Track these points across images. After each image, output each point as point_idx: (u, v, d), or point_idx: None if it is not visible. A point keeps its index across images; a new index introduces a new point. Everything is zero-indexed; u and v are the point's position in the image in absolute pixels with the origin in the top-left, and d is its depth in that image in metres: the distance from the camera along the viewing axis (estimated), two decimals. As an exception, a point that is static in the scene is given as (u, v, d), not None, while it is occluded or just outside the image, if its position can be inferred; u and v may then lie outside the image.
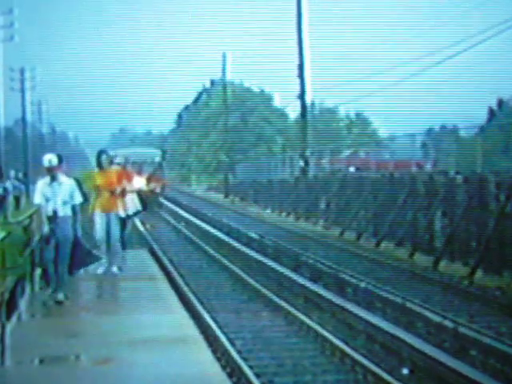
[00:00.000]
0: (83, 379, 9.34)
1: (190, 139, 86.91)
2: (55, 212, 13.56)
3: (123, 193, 16.90)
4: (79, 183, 14.18)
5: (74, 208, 13.78)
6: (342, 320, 15.41)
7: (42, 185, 13.87)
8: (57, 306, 13.55)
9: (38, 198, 13.79)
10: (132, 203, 17.95)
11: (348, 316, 15.43)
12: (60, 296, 13.72)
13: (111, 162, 17.13)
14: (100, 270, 16.50)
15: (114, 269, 16.75)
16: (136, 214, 19.19)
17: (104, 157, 17.08)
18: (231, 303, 17.63)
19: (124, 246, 17.94)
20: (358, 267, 22.03)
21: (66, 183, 13.85)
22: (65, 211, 13.68)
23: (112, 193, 16.63)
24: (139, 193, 18.71)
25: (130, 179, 17.94)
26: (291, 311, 15.93)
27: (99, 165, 17.02)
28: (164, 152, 56.25)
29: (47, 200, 13.64)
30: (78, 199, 13.86)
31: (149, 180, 49.42)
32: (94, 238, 16.62)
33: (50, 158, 13.79)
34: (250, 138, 76.75)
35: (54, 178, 13.73)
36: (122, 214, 16.89)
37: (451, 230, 23.24)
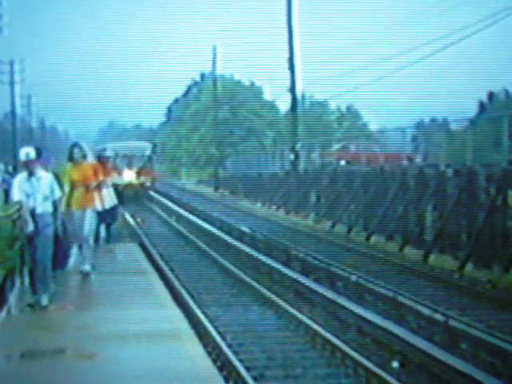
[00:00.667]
0: (72, 374, 9.29)
1: (180, 133, 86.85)
2: (33, 210, 13.07)
3: (99, 187, 16.24)
4: (57, 177, 13.85)
5: (54, 203, 13.16)
6: (333, 313, 15.41)
7: (19, 180, 13.08)
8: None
9: (17, 195, 13.05)
10: (109, 197, 17.67)
11: (338, 309, 15.43)
12: (44, 301, 13.00)
13: (85, 156, 16.22)
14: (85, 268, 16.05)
15: (87, 266, 15.97)
16: (113, 208, 18.83)
17: (76, 150, 16.14)
18: (222, 297, 17.62)
19: (97, 241, 17.74)
20: (349, 261, 22.04)
21: (45, 177, 13.13)
22: (45, 207, 13.07)
23: (87, 188, 15.92)
24: (115, 187, 18.16)
25: (106, 173, 17.47)
26: (282, 305, 15.92)
27: (71, 159, 16.16)
28: (154, 145, 56.07)
29: (28, 196, 12.93)
30: (58, 194, 13.34)
31: (139, 174, 49.37)
32: (68, 235, 15.83)
33: (27, 152, 12.93)
34: (240, 131, 76.73)
35: (32, 173, 12.92)
36: (99, 207, 16.33)
37: (441, 223, 23.27)
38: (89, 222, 15.87)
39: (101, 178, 16.35)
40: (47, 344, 10.58)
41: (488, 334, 12.93)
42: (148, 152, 52.13)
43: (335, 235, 29.35)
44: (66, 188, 15.38)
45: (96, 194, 16.10)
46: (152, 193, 50.59)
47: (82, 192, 15.89)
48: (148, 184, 50.33)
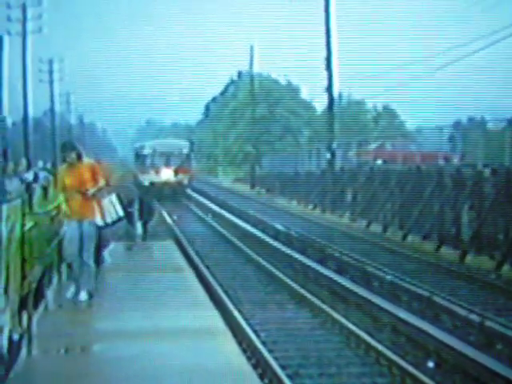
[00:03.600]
0: (108, 369, 9.39)
1: (217, 131, 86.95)
2: None
3: (99, 194, 13.37)
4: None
5: None
6: (368, 313, 15.38)
7: None
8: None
9: None
10: (111, 207, 13.84)
11: (374, 309, 15.40)
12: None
13: (79, 156, 13.34)
14: (69, 294, 13.44)
15: (83, 294, 13.15)
16: (116, 222, 14.41)
17: (69, 149, 13.40)
18: (257, 295, 17.65)
19: (99, 263, 14.58)
20: (384, 260, 21.96)
21: None
22: None
23: (84, 194, 13.10)
24: (119, 195, 14.34)
25: (106, 176, 13.86)
26: (317, 303, 15.92)
27: (64, 159, 13.51)
28: (192, 143, 55.75)
29: None
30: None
31: (176, 172, 49.10)
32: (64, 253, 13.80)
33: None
34: (276, 129, 76.64)
35: None
36: (99, 221, 13.47)
37: (478, 223, 23.09)
38: (88, 236, 13.20)
39: (101, 182, 13.36)
40: (85, 340, 10.70)
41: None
42: (186, 150, 51.81)
43: (371, 234, 29.25)
44: (61, 196, 13.53)
45: (94, 203, 13.30)
46: (189, 191, 50.49)
47: (78, 200, 13.23)
48: (186, 182, 50.05)
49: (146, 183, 47.81)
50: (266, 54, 62.24)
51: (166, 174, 48.72)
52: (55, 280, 14.57)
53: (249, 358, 11.46)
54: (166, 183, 48.29)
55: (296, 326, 14.56)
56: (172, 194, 47.30)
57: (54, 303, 12.93)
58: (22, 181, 19.60)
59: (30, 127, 47.69)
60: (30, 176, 21.55)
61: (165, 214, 35.68)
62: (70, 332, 11.09)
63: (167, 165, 49.32)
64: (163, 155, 49.55)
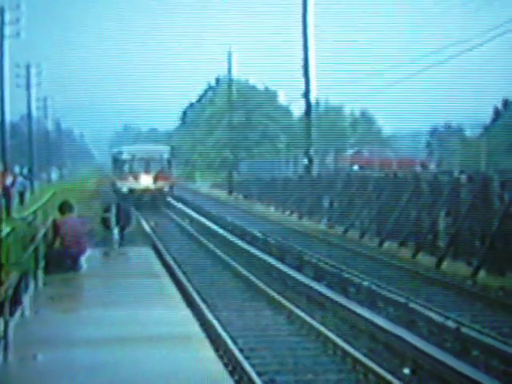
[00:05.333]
0: (84, 377, 9.30)
1: (195, 136, 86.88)
2: None
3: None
4: None
5: None
6: (345, 319, 15.40)
7: None
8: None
9: None
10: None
11: (350, 315, 15.42)
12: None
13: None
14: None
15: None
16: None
17: None
18: (234, 301, 17.64)
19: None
20: (361, 266, 22.02)
21: None
22: None
23: None
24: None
25: None
26: (293, 310, 15.93)
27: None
28: (173, 148, 53.70)
29: None
30: None
31: (156, 178, 47.30)
32: None
33: None
34: (254, 135, 76.71)
35: None
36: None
37: (455, 229, 23.20)
38: None
39: None
40: (61, 346, 10.65)
41: (500, 341, 12.89)
42: (166, 155, 49.75)
43: (348, 240, 29.32)
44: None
45: None
46: (170, 199, 48.61)
47: None
48: (166, 189, 48.11)
49: (125, 190, 46.41)
50: (244, 60, 62.29)
51: (146, 181, 47.03)
52: (32, 286, 14.50)
53: (226, 365, 11.42)
54: (145, 190, 46.57)
55: (273, 332, 14.56)
56: (152, 201, 45.81)
57: (31, 309, 12.86)
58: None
59: (6, 132, 47.33)
60: (8, 181, 21.50)
61: (143, 221, 35.55)
62: (46, 338, 11.02)
63: (147, 171, 47.49)
64: (142, 161, 47.80)
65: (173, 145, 59.69)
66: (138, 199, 44.91)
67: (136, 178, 47.15)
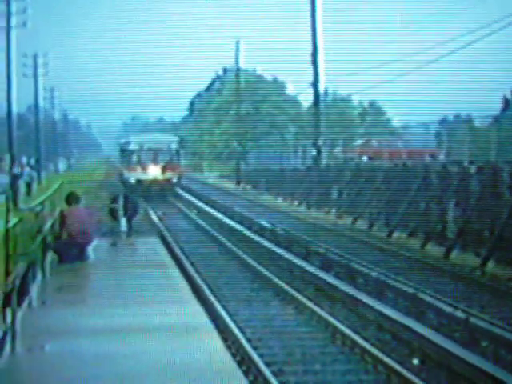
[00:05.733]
0: (91, 367, 9.29)
1: (203, 127, 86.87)
2: None
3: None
4: None
5: None
6: (353, 309, 15.35)
7: None
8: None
9: None
10: None
11: (359, 306, 15.36)
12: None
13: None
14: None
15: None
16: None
17: None
18: (242, 292, 17.59)
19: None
20: (370, 257, 21.94)
21: None
22: None
23: None
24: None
25: None
26: (302, 300, 15.87)
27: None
28: (181, 139, 52.77)
29: None
30: None
31: (165, 169, 46.78)
32: None
33: None
34: (262, 125, 76.65)
35: None
36: None
37: (464, 220, 23.11)
38: None
39: None
40: (68, 337, 10.63)
41: (509, 331, 12.82)
42: (175, 146, 48.82)
43: (357, 231, 29.24)
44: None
45: None
46: (178, 189, 48.20)
47: None
48: (175, 180, 47.46)
49: (132, 181, 45.95)
50: (251, 50, 62.27)
51: (154, 172, 46.46)
52: (39, 276, 14.48)
53: (233, 355, 11.37)
54: (153, 181, 46.02)
55: (281, 323, 14.51)
56: (160, 192, 45.35)
57: (38, 300, 12.84)
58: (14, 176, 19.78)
59: (13, 123, 47.26)
60: (16, 171, 21.63)
61: (151, 212, 35.48)
62: (53, 329, 10.99)
63: (155, 161, 46.88)
64: (151, 151, 47.17)
65: (181, 135, 59.01)
66: (146, 190, 44.61)
67: (144, 168, 46.74)
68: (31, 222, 15.87)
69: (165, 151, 47.73)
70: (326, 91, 48.77)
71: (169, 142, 49.63)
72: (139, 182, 45.81)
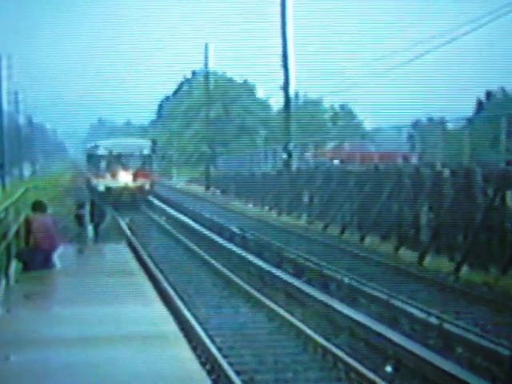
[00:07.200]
0: (58, 377, 9.06)
1: (171, 130, 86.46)
2: None
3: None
4: None
5: None
6: (325, 316, 15.15)
7: None
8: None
9: None
10: None
11: (331, 312, 15.17)
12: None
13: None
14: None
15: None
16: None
17: None
18: (212, 299, 17.37)
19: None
20: (342, 262, 21.76)
21: None
22: None
23: None
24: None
25: None
26: (273, 307, 15.66)
27: None
28: (154, 143, 49.03)
29: None
30: None
31: (136, 175, 44.12)
32: None
33: None
34: (232, 129, 76.47)
35: None
36: None
37: (437, 224, 22.97)
38: None
39: None
40: (34, 345, 10.35)
41: (484, 338, 12.68)
42: (147, 150, 45.98)
43: (328, 236, 29.06)
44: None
45: None
46: (151, 198, 45.49)
47: None
48: (147, 187, 44.68)
49: (101, 188, 43.26)
50: (221, 52, 61.99)
51: (125, 179, 43.74)
52: (3, 283, 14.18)
53: (203, 364, 11.21)
54: (124, 188, 43.35)
55: (252, 330, 14.29)
56: (131, 200, 42.78)
57: (2, 308, 12.56)
58: None
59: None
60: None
61: (117, 217, 35.05)
62: (17, 338, 10.71)
63: (125, 167, 44.19)
64: (121, 156, 44.49)
65: (154, 139, 56.52)
66: (117, 199, 42.20)
67: (114, 175, 43.99)
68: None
69: (136, 156, 45.15)
70: (296, 94, 48.69)
71: (140, 146, 46.96)
72: (108, 189, 43.24)
